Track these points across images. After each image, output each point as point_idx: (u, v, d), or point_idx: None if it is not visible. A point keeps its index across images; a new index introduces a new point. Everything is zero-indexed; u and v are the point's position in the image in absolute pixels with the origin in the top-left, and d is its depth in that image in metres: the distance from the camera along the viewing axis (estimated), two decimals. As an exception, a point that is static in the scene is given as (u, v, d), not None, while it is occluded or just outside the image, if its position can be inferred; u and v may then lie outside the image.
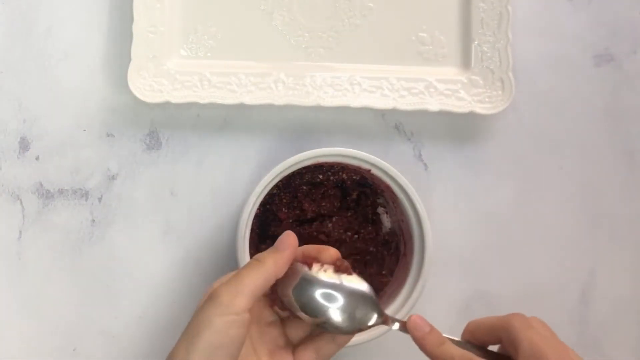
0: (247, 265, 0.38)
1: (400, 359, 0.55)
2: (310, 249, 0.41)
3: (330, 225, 0.52)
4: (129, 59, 0.52)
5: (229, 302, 0.36)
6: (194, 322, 0.36)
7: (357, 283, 0.40)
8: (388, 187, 0.49)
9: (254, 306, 0.37)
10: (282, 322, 0.41)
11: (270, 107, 0.54)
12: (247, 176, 0.55)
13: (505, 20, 0.53)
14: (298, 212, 0.52)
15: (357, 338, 0.47)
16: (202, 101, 0.53)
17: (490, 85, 0.54)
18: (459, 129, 0.56)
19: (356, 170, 0.51)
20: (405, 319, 0.40)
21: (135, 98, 0.52)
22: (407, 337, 0.54)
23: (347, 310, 0.39)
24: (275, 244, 0.40)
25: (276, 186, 0.51)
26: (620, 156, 0.57)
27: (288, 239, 0.39)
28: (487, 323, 0.39)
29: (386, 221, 0.54)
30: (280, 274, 0.38)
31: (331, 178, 0.53)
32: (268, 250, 0.39)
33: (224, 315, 0.35)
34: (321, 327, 0.39)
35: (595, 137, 0.57)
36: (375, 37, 0.55)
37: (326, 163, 0.50)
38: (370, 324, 0.40)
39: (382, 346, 0.54)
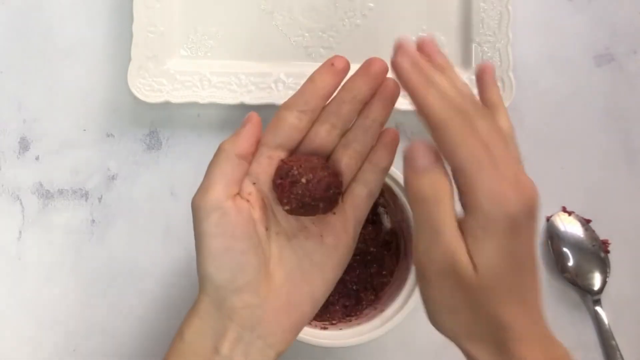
0: (210, 161, 0.37)
1: (400, 358, 0.55)
2: None
3: (330, 225, 0.52)
4: (129, 59, 0.52)
5: (203, 202, 0.34)
6: (195, 245, 0.35)
7: None
8: (388, 187, 0.49)
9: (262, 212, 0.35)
10: None
11: (270, 107, 0.54)
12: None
13: (505, 20, 0.53)
14: (298, 212, 0.52)
15: (357, 339, 0.47)
16: (202, 101, 0.53)
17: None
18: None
19: (356, 170, 0.51)
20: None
21: (135, 98, 0.52)
22: (407, 338, 0.54)
23: None
24: None
25: (276, 186, 0.51)
26: (620, 156, 0.57)
27: (247, 117, 0.37)
28: None
29: (387, 221, 0.54)
30: (245, 149, 0.36)
31: (331, 178, 0.53)
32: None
33: (207, 217, 0.34)
34: None
35: (596, 137, 0.57)
36: (376, 37, 0.55)
37: (326, 163, 0.50)
38: None
39: (382, 346, 0.54)
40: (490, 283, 0.31)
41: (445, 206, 0.32)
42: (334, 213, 0.38)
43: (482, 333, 0.32)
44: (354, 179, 0.38)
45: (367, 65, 0.36)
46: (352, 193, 0.38)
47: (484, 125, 0.32)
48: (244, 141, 0.36)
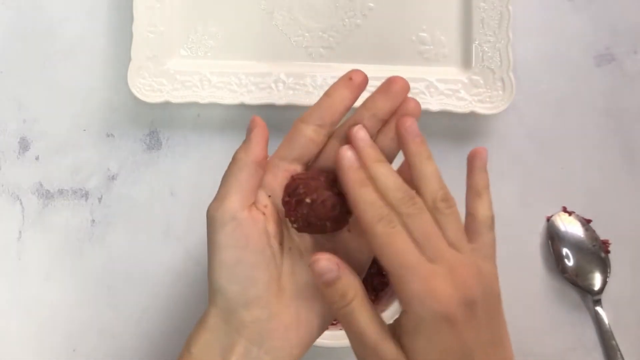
0: (225, 172, 0.36)
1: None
2: None
3: (330, 225, 0.52)
4: (129, 59, 0.52)
5: (220, 212, 0.34)
6: (208, 255, 0.35)
7: None
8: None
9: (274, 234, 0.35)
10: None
11: (270, 107, 0.54)
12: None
13: (505, 20, 0.53)
14: (298, 212, 0.52)
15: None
16: (202, 101, 0.53)
17: (491, 85, 0.54)
18: (459, 129, 0.56)
19: (356, 170, 0.51)
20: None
21: (135, 98, 0.52)
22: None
23: None
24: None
25: (276, 186, 0.51)
26: (620, 156, 0.57)
27: (252, 122, 0.37)
28: None
29: (386, 221, 0.54)
30: (259, 155, 0.36)
31: (331, 178, 0.53)
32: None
33: (223, 227, 0.34)
34: None
35: (596, 137, 0.57)
36: (376, 37, 0.55)
37: (326, 163, 0.50)
38: None
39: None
40: None
41: (361, 309, 0.33)
42: (349, 230, 0.37)
43: None
44: None
45: (388, 83, 0.36)
46: None
47: (420, 222, 0.32)
48: (256, 146, 0.36)
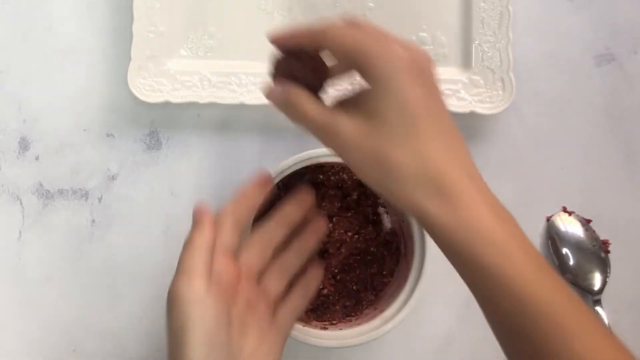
0: (182, 252, 0.41)
1: (400, 359, 0.55)
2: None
3: (330, 225, 0.52)
4: (129, 59, 0.52)
5: (182, 295, 0.38)
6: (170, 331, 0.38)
7: None
8: (388, 187, 0.49)
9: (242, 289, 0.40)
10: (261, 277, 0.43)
11: (270, 107, 0.53)
12: (247, 176, 0.55)
13: (505, 20, 0.53)
14: (298, 212, 0.52)
15: (357, 339, 0.47)
16: (202, 101, 0.53)
17: (491, 85, 0.54)
18: (459, 129, 0.56)
19: (356, 170, 0.51)
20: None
21: (135, 98, 0.52)
22: (407, 338, 0.54)
23: None
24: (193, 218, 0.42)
25: (276, 186, 0.51)
26: (620, 156, 0.57)
27: (197, 212, 0.41)
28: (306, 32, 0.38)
29: (387, 221, 0.54)
30: (210, 241, 0.40)
31: (332, 178, 0.53)
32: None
33: (187, 314, 0.37)
34: None
35: (596, 137, 0.57)
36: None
37: (326, 163, 0.50)
38: None
39: (382, 346, 0.54)
40: (390, 128, 0.35)
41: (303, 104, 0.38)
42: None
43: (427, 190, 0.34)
44: (282, 300, 0.43)
45: (297, 195, 0.46)
46: (279, 314, 0.43)
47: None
48: (208, 235, 0.41)
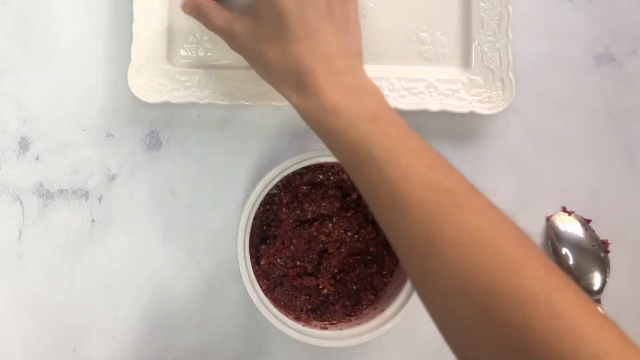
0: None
1: (400, 358, 0.55)
2: None
3: (330, 225, 0.52)
4: (129, 59, 0.52)
5: None
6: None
7: None
8: (388, 187, 0.49)
9: None
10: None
11: (270, 107, 0.54)
12: (247, 176, 0.55)
13: (505, 20, 0.53)
14: (298, 212, 0.52)
15: (357, 339, 0.47)
16: (202, 101, 0.53)
17: (491, 85, 0.54)
18: (459, 129, 0.56)
19: (356, 170, 0.51)
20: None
21: (135, 98, 0.52)
22: (407, 338, 0.54)
23: None
24: None
25: (276, 186, 0.51)
26: (620, 156, 0.57)
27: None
28: None
29: (386, 221, 0.54)
30: None
31: (331, 178, 0.53)
32: None
33: None
34: None
35: (595, 137, 0.57)
36: (375, 37, 0.55)
37: (326, 163, 0.50)
38: None
39: (382, 346, 0.54)
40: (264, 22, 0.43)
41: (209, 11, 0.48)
42: None
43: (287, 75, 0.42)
44: None
45: None
46: None
47: None
48: None
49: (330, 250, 0.52)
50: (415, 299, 0.47)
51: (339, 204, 0.53)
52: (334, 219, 0.52)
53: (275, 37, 0.42)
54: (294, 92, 0.42)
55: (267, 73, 0.44)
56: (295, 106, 0.42)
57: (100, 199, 0.54)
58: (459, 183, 0.36)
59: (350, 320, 0.50)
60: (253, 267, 0.48)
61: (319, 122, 0.40)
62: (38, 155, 0.54)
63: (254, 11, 0.44)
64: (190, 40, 0.54)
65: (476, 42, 0.54)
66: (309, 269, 0.52)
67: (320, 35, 0.42)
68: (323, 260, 0.52)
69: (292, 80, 0.42)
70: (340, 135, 0.39)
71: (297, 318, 0.49)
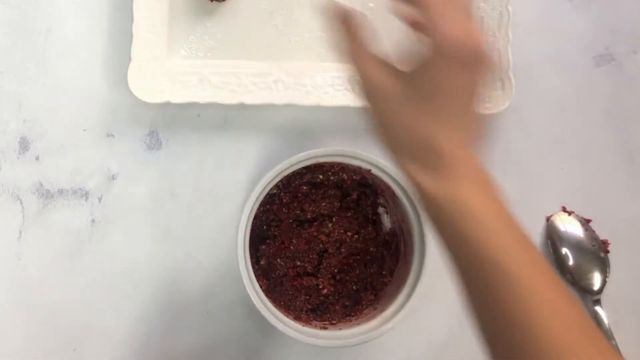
0: None
1: (400, 358, 0.55)
2: None
3: (330, 225, 0.52)
4: (129, 59, 0.52)
5: None
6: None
7: None
8: (388, 187, 0.49)
9: None
10: None
11: (270, 107, 0.54)
12: (247, 176, 0.55)
13: (505, 20, 0.53)
14: (298, 212, 0.52)
15: (357, 339, 0.47)
16: (202, 101, 0.53)
17: (491, 85, 0.54)
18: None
19: (356, 170, 0.51)
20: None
21: (135, 98, 0.52)
22: (407, 338, 0.54)
23: None
24: None
25: (276, 186, 0.51)
26: (620, 156, 0.57)
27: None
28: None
29: (386, 221, 0.54)
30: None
31: (331, 178, 0.53)
32: None
33: None
34: None
35: (596, 137, 0.57)
36: (375, 37, 0.55)
37: (326, 163, 0.50)
38: None
39: (382, 346, 0.54)
40: (415, 95, 0.37)
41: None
42: None
43: (419, 155, 0.37)
44: None
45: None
46: None
47: None
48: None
49: (330, 250, 0.52)
50: (416, 299, 0.48)
51: (339, 204, 0.53)
52: (334, 219, 0.52)
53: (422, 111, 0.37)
54: (425, 174, 0.37)
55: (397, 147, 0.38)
56: (423, 188, 0.37)
57: (100, 199, 0.54)
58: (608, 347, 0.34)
59: (350, 320, 0.50)
60: (253, 267, 0.48)
61: (444, 213, 0.36)
62: (38, 155, 0.54)
63: (416, 76, 0.39)
64: (190, 40, 0.55)
65: (476, 42, 0.54)
66: (309, 269, 0.52)
67: (467, 120, 0.38)
68: (323, 260, 0.52)
69: (425, 160, 0.37)
70: (472, 240, 0.36)
71: (297, 318, 0.49)
